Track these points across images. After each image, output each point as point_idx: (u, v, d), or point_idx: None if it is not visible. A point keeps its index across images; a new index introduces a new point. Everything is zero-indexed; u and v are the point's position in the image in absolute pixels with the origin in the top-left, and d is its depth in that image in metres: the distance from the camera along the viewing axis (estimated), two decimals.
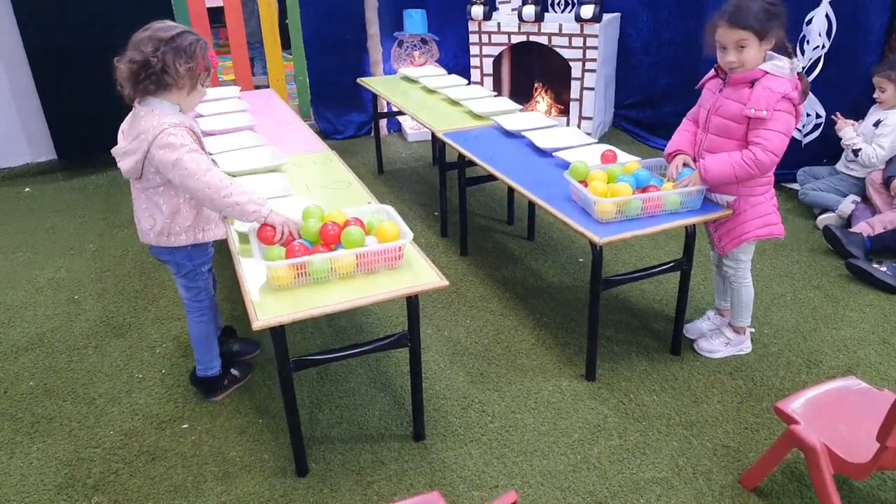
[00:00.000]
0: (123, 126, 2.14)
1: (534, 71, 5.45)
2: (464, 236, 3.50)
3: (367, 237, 2.01)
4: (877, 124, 3.50)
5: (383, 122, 5.39)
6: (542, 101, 5.40)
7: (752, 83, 2.25)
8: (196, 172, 1.97)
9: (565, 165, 2.77)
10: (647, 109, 5.14)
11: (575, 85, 4.95)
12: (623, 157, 2.78)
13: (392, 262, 2.00)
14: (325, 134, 5.43)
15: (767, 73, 2.23)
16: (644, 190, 2.32)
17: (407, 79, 4.45)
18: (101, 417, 2.42)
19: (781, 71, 2.21)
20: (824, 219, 3.58)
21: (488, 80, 5.30)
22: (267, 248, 1.97)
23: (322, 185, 2.67)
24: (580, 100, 4.97)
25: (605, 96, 5.17)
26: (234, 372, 2.53)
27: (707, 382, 2.51)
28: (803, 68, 2.30)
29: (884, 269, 3.05)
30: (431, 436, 2.29)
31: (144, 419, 2.40)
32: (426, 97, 4.02)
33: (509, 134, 3.23)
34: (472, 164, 3.05)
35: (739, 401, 2.41)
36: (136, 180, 2.10)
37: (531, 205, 3.56)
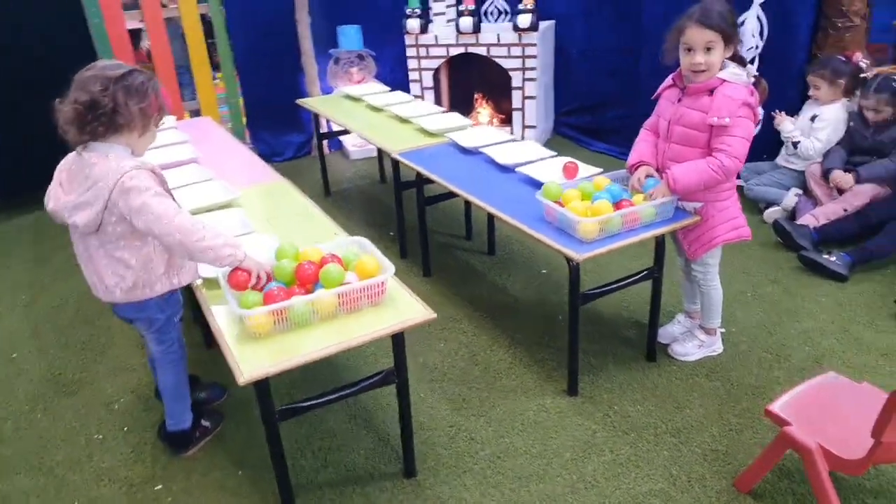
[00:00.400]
0: (62, 176, 1.96)
1: (472, 81, 5.44)
2: (426, 257, 3.44)
3: (345, 273, 1.93)
4: (813, 118, 3.65)
5: (325, 142, 5.27)
6: (483, 111, 5.40)
7: (710, 91, 2.28)
8: (164, 216, 1.83)
9: (529, 181, 2.76)
10: (588, 115, 5.21)
11: (516, 94, 4.97)
12: (584, 167, 2.79)
13: (375, 298, 1.93)
14: (264, 157, 5.22)
15: (725, 80, 2.26)
16: (618, 204, 2.32)
17: (349, 97, 4.36)
18: (63, 488, 2.24)
19: (739, 78, 2.26)
20: (771, 213, 3.70)
21: (429, 94, 5.26)
22: (242, 297, 1.86)
23: (282, 216, 2.56)
24: (522, 109, 4.99)
25: (545, 104, 5.21)
26: (204, 423, 2.39)
27: (686, 387, 2.54)
28: (756, 75, 2.35)
29: (833, 258, 3.16)
30: (423, 471, 2.22)
31: (112, 484, 2.24)
32: (372, 116, 3.94)
33: (465, 150, 3.19)
34: (429, 181, 3.00)
35: (720, 403, 2.45)
36: (93, 234, 1.93)
37: (490, 219, 3.54)
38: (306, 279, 1.91)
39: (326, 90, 5.34)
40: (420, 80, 5.24)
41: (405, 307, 1.93)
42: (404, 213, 3.60)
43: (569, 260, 2.25)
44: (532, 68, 4.83)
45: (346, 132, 4.03)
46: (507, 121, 5.30)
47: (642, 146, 2.56)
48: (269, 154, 5.27)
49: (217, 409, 2.51)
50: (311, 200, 2.69)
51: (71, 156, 1.97)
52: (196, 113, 5.26)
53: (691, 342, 2.69)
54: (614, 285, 2.48)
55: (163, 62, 4.94)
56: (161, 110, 1.98)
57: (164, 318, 2.15)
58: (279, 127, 5.30)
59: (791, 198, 3.66)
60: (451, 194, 2.88)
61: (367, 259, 1.96)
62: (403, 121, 3.73)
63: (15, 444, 2.45)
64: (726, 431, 2.31)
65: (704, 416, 2.39)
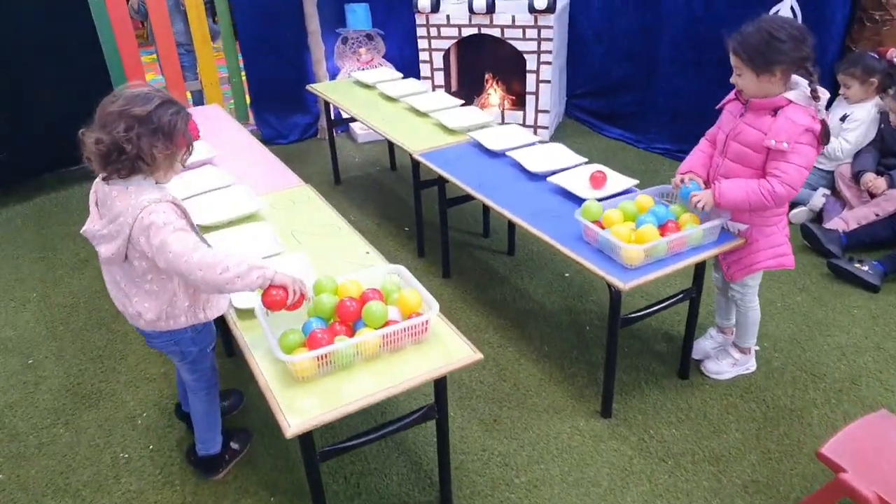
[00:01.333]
0: (97, 196, 1.85)
1: (483, 62, 5.27)
2: (446, 259, 3.36)
3: (388, 309, 1.85)
4: (843, 119, 3.55)
5: None
6: (494, 93, 5.25)
7: (775, 112, 2.16)
8: (183, 254, 1.70)
9: (561, 191, 2.67)
10: (602, 99, 5.08)
11: (530, 78, 4.82)
12: (613, 176, 2.70)
13: (418, 336, 1.85)
14: (268, 140, 5.11)
15: (792, 102, 2.13)
16: (664, 227, 2.24)
17: (360, 83, 4.21)
18: None
19: (806, 101, 2.13)
20: (797, 213, 3.63)
21: (439, 75, 5.10)
22: (282, 335, 1.78)
23: (308, 231, 2.46)
24: (536, 93, 4.85)
25: (559, 87, 5.07)
26: (234, 445, 2.34)
27: (721, 408, 2.50)
28: (825, 108, 2.19)
29: (865, 267, 3.11)
30: (458, 499, 2.18)
31: None
32: (386, 106, 3.80)
33: (490, 153, 3.08)
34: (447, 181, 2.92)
35: (757, 427, 2.41)
36: (118, 265, 1.85)
37: None
38: (348, 317, 1.83)
39: (333, 70, 5.17)
40: (430, 61, 5.07)
41: (450, 345, 1.86)
42: (422, 209, 3.50)
43: (609, 285, 2.18)
44: (548, 51, 4.68)
45: (354, 119, 3.87)
46: (518, 103, 5.16)
47: (696, 156, 2.45)
48: (273, 136, 5.13)
49: (247, 431, 2.44)
50: (337, 213, 2.58)
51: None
52: (198, 94, 5.08)
53: (725, 360, 2.65)
54: (653, 308, 2.41)
55: (164, 41, 4.75)
56: (189, 146, 1.84)
57: (197, 351, 2.07)
58: (284, 109, 5.14)
59: (819, 198, 3.59)
60: (469, 196, 2.80)
61: (409, 294, 1.88)
62: (420, 114, 3.60)
63: (39, 461, 2.39)
64: (766, 460, 2.28)
65: (742, 442, 2.35)
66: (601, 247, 2.26)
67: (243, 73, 5.10)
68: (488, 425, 2.47)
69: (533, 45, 4.69)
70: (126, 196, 1.76)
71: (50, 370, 2.84)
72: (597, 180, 2.64)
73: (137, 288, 1.87)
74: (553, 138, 4.97)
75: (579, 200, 2.58)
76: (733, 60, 2.16)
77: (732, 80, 2.20)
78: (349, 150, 5.01)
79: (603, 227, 2.29)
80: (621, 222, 2.28)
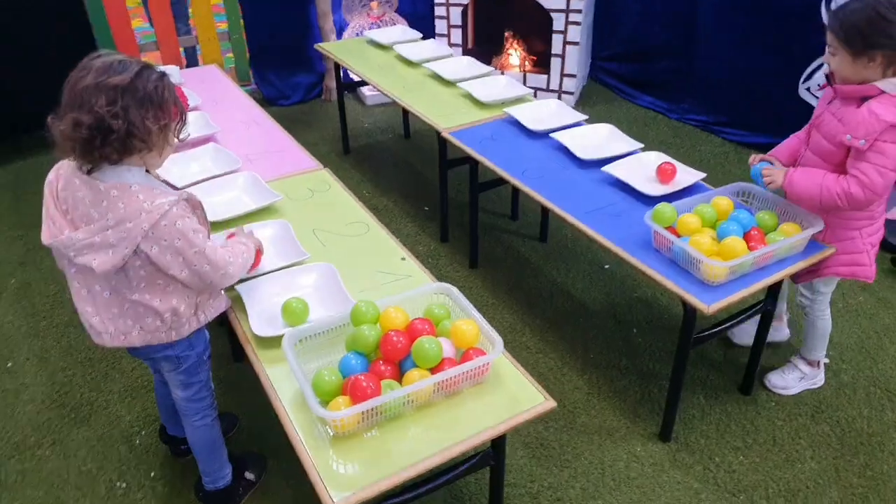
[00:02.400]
0: (64, 198, 1.52)
1: (501, 18, 4.84)
2: (474, 249, 3.04)
3: (441, 345, 1.54)
4: None
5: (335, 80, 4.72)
6: (515, 53, 4.84)
7: (862, 101, 1.87)
8: (220, 265, 1.59)
9: (618, 183, 2.35)
10: (635, 64, 4.68)
11: (557, 39, 4.41)
12: (682, 169, 2.37)
13: (478, 378, 1.56)
14: (270, 100, 4.71)
15: (884, 92, 1.84)
16: (747, 236, 1.93)
17: (375, 44, 3.80)
18: None
19: None
20: None
21: (456, 33, 4.68)
22: (316, 376, 1.48)
23: (332, 230, 2.13)
24: (562, 55, 4.45)
25: (586, 49, 4.67)
26: (248, 476, 2.06)
27: (791, 430, 2.24)
28: None
29: None
30: None
31: None
32: (407, 72, 3.42)
33: (530, 132, 2.73)
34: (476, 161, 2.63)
35: (834, 455, 2.16)
36: (110, 276, 1.54)
37: None
38: (395, 355, 1.53)
39: (340, 24, 4.73)
40: (447, 17, 4.65)
41: (514, 387, 1.57)
42: (433, 181, 3.16)
43: (685, 303, 1.88)
44: (577, 10, 4.27)
45: (365, 83, 3.47)
46: (540, 64, 4.76)
47: (788, 142, 2.20)
48: (275, 97, 4.72)
49: (261, 456, 2.16)
50: (363, 206, 2.25)
51: (69, 171, 1.53)
52: (192, 52, 4.63)
53: (791, 374, 2.38)
54: (727, 325, 2.12)
55: None
56: (182, 115, 1.54)
57: (195, 356, 1.78)
58: (286, 67, 4.71)
59: None
60: (503, 180, 2.51)
61: (466, 327, 1.57)
62: (446, 83, 3.22)
63: (22, 492, 2.10)
64: (848, 496, 2.03)
65: (820, 474, 2.10)
66: (675, 258, 1.95)
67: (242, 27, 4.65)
68: (534, 450, 2.20)
69: (561, 3, 4.27)
70: (132, 197, 1.46)
71: (32, 376, 2.53)
72: (665, 173, 2.32)
73: (124, 302, 1.58)
74: (578, 105, 4.60)
75: (639, 195, 2.27)
76: (828, 36, 1.88)
77: (825, 58, 1.94)
78: (357, 113, 4.61)
79: (678, 235, 1.98)
80: (699, 229, 1.97)
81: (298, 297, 1.74)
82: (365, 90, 4.72)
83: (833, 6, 1.90)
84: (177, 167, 2.37)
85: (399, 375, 1.54)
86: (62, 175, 1.55)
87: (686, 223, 1.97)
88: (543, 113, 2.86)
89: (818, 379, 2.40)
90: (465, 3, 4.55)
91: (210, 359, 1.86)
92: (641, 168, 2.41)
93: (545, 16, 4.38)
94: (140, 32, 4.58)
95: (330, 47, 3.83)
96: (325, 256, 1.98)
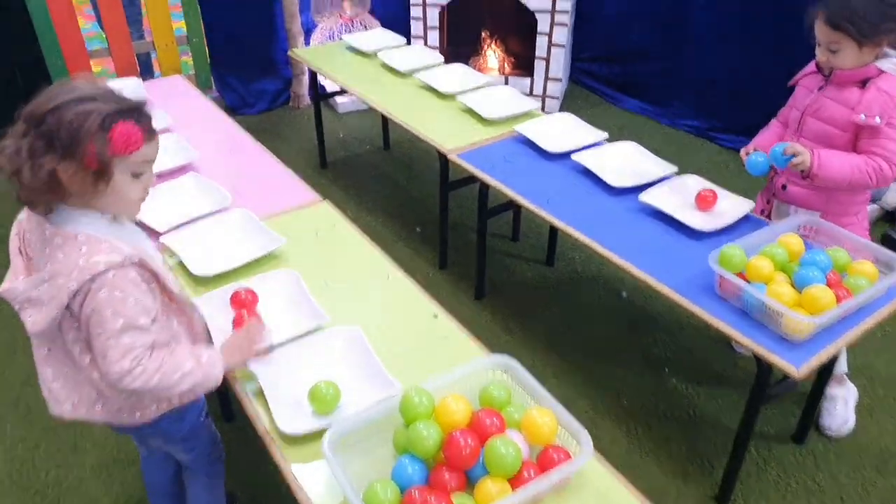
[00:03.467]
0: (27, 239, 1.30)
1: (473, 17, 4.53)
2: (481, 279, 2.77)
3: (520, 448, 1.27)
4: None
5: (306, 93, 4.37)
6: (493, 55, 4.58)
7: (863, 83, 1.88)
8: (122, 366, 1.22)
9: (652, 212, 2.12)
10: (615, 66, 4.48)
11: (541, 41, 4.16)
12: (723, 195, 2.16)
13: (561, 485, 1.30)
14: (233, 108, 4.32)
15: (884, 72, 1.86)
16: (828, 279, 1.72)
17: (355, 50, 3.47)
18: None
19: None
20: (870, 211, 3.20)
21: (433, 35, 4.38)
22: (368, 491, 1.19)
23: (347, 279, 1.82)
24: (547, 58, 4.21)
25: (568, 50, 4.44)
26: None
27: (858, 487, 2.05)
28: None
29: None
30: None
31: None
32: (395, 83, 3.10)
33: (545, 153, 2.48)
34: (475, 180, 2.41)
35: None
36: (53, 338, 1.30)
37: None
38: (464, 461, 1.25)
39: (308, 24, 4.36)
40: (423, 19, 4.34)
41: (601, 486, 1.32)
42: (424, 198, 2.88)
43: (759, 359, 1.66)
44: (564, 11, 4.03)
45: (343, 91, 3.12)
46: (519, 66, 4.50)
47: (766, 135, 2.18)
48: (238, 105, 4.34)
49: None
50: (378, 249, 1.96)
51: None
52: (146, 57, 4.19)
53: (837, 407, 2.22)
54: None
55: None
56: (126, 149, 1.18)
57: (188, 427, 1.52)
58: (250, 72, 4.33)
59: (893, 193, 3.17)
60: (511, 203, 2.31)
61: (542, 419, 1.30)
62: (442, 96, 2.93)
63: None
64: None
65: None
66: (747, 308, 1.72)
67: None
68: None
69: (547, 3, 4.02)
70: (73, 248, 1.21)
71: None
72: (705, 201, 2.10)
73: (84, 370, 1.31)
74: (562, 109, 4.36)
75: (680, 226, 2.04)
76: (826, 33, 1.85)
77: (820, 55, 1.92)
78: (330, 122, 4.25)
79: (746, 279, 1.76)
80: (772, 275, 1.75)
81: (328, 379, 1.44)
82: (336, 97, 4.38)
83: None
84: (154, 203, 2.01)
85: (466, 483, 1.26)
86: (28, 219, 1.30)
87: (757, 268, 1.75)
88: (557, 130, 2.61)
89: (853, 391, 2.27)
90: (444, 3, 4.26)
91: (209, 416, 1.61)
92: (678, 193, 2.19)
93: (525, 16, 4.12)
94: (85, 34, 4.10)
95: (304, 54, 3.49)
96: (344, 316, 1.68)
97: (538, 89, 4.33)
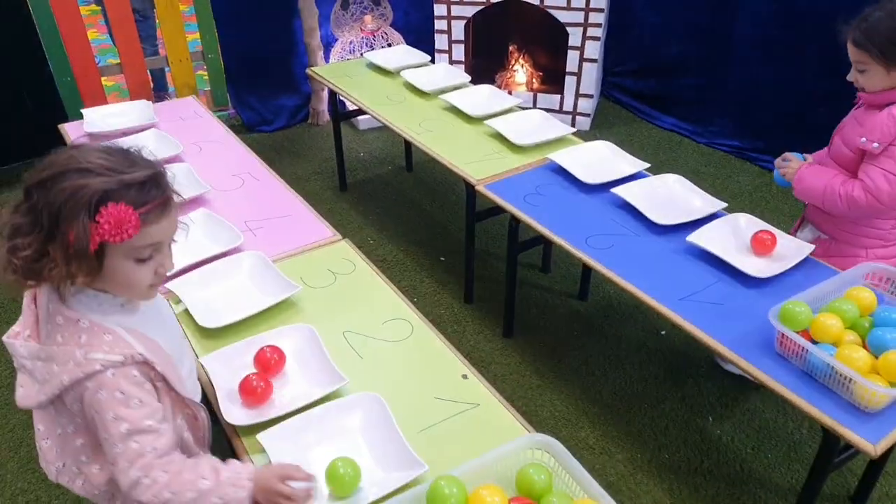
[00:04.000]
0: (41, 296, 1.14)
1: (501, 29, 4.38)
2: (509, 315, 2.60)
3: None
4: None
5: (325, 108, 4.23)
6: (521, 69, 4.41)
7: (884, 106, 1.82)
8: (129, 475, 1.09)
9: (702, 255, 1.94)
10: (652, 80, 4.29)
11: (572, 56, 3.98)
12: (783, 238, 1.96)
13: None
14: (250, 126, 4.20)
15: None
16: None
17: (376, 68, 3.32)
18: None
19: None
20: None
21: (458, 49, 4.22)
22: None
23: (367, 332, 1.67)
24: (578, 73, 4.03)
25: (601, 64, 4.26)
26: None
27: None
28: None
29: None
30: None
31: None
32: (420, 104, 2.93)
33: (581, 184, 2.30)
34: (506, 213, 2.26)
35: None
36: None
37: None
38: None
39: (328, 39, 4.23)
40: (448, 32, 4.18)
41: None
42: (448, 225, 2.70)
43: (827, 431, 1.48)
44: (596, 24, 3.85)
45: (362, 112, 2.97)
46: (548, 81, 4.33)
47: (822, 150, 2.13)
48: (255, 122, 4.22)
49: None
50: (398, 293, 1.80)
51: None
52: (160, 73, 4.08)
53: None
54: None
55: (116, 2, 3.72)
56: (117, 236, 1.00)
57: None
58: (268, 88, 4.20)
59: None
60: (541, 239, 2.20)
61: None
62: (469, 119, 2.77)
63: None
64: None
65: None
66: (812, 371, 1.54)
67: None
68: None
69: (579, 17, 3.85)
70: (73, 334, 1.09)
71: None
72: (763, 244, 1.91)
73: (74, 446, 1.20)
74: (593, 126, 4.19)
75: (734, 272, 1.86)
76: (854, 52, 1.83)
77: (851, 76, 1.88)
78: (350, 141, 4.12)
79: (810, 338, 1.57)
80: (841, 334, 1.56)
81: (346, 456, 1.29)
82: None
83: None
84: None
85: None
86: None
87: (823, 326, 1.56)
88: (593, 158, 2.44)
89: None
90: (470, 15, 4.10)
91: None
92: (729, 234, 2.00)
93: (555, 29, 3.96)
94: (98, 45, 3.98)
95: (323, 72, 3.34)
96: (364, 377, 1.52)
97: (568, 105, 4.15)
